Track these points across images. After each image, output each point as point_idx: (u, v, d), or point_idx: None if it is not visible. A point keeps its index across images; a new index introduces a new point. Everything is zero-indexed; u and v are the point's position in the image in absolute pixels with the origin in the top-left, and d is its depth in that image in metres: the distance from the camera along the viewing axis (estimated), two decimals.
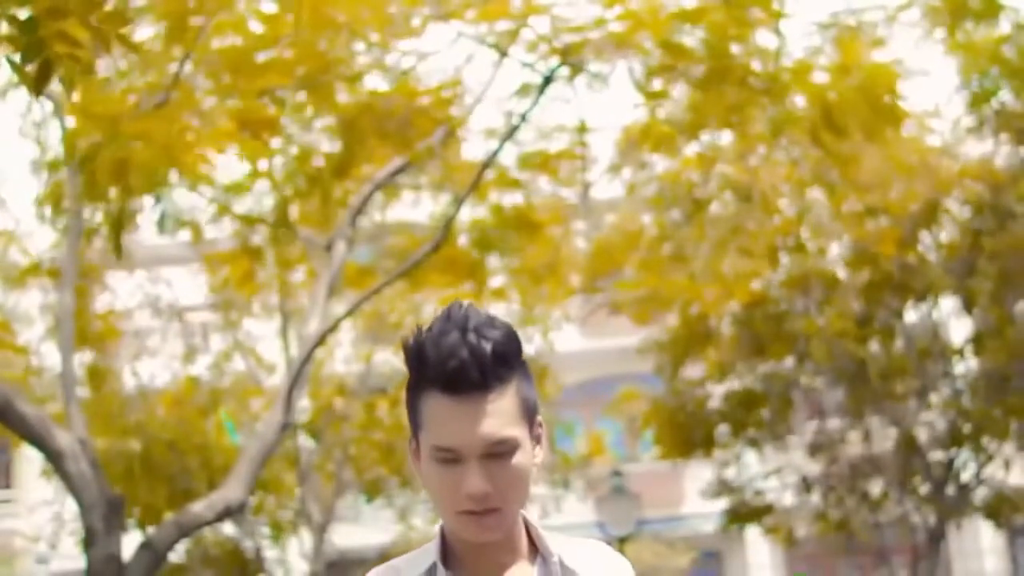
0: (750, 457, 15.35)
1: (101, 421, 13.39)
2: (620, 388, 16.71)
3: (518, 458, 1.98)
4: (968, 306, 13.70)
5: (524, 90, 9.53)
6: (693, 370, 15.05)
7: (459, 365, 1.92)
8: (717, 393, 14.84)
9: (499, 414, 1.96)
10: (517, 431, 1.98)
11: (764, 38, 8.88)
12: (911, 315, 14.40)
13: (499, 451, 1.95)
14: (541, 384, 14.90)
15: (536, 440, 2.05)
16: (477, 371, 1.93)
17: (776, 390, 14.40)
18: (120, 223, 5.24)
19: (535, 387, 2.09)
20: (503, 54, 9.42)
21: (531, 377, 2.06)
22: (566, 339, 17.84)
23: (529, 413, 2.02)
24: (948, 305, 14.34)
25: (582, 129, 11.14)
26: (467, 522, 1.97)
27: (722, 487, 15.18)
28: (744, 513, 15.27)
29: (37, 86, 4.06)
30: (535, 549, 2.08)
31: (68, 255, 9.73)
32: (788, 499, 15.39)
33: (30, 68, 4.04)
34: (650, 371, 15.47)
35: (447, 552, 2.06)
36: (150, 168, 6.04)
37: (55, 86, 5.50)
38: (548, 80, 9.36)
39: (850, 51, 8.87)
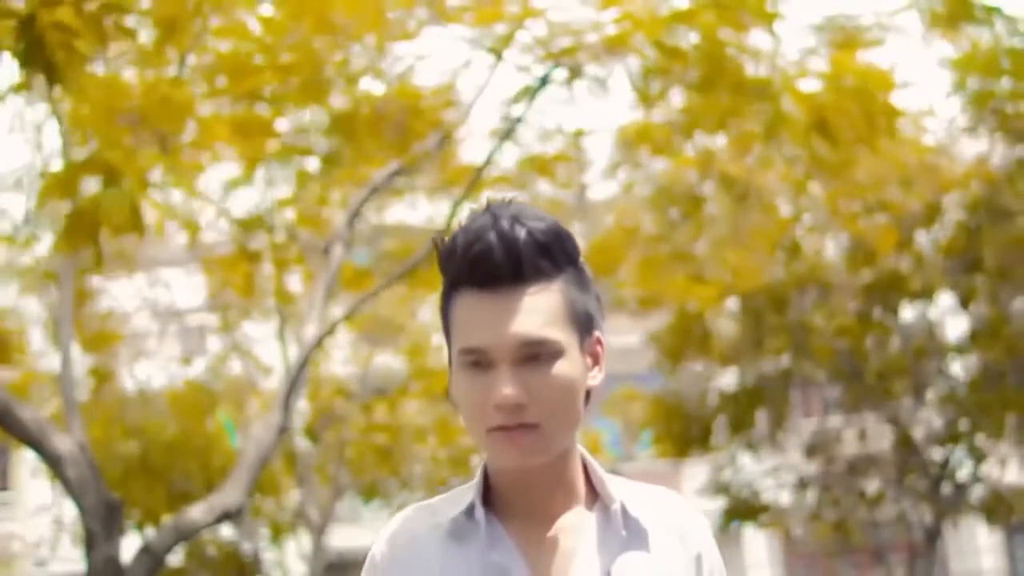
0: (746, 458, 15.38)
1: (100, 424, 13.41)
2: (618, 387, 16.74)
3: (561, 366, 1.68)
4: (964, 303, 13.73)
5: (521, 94, 9.55)
6: (692, 368, 15.08)
7: (484, 249, 1.67)
8: (715, 390, 14.86)
9: (536, 312, 1.67)
10: (561, 335, 1.68)
11: (759, 40, 8.91)
12: (907, 313, 14.43)
13: (536, 353, 1.67)
14: None
15: (592, 358, 1.76)
16: (505, 257, 1.67)
17: (774, 386, 14.41)
18: (99, 259, 5.23)
19: (597, 301, 1.78)
20: (499, 57, 9.44)
21: (590, 287, 1.76)
22: None
23: (579, 321, 1.72)
24: (944, 303, 14.37)
25: (579, 133, 11.17)
26: (500, 441, 1.68)
27: (719, 488, 15.21)
28: (741, 511, 15.30)
29: (50, 78, 4.05)
30: (594, 494, 1.80)
31: (66, 259, 9.73)
32: (785, 498, 15.42)
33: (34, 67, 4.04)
34: (647, 370, 15.48)
35: (490, 491, 1.78)
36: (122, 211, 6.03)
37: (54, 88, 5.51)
38: (544, 83, 9.38)
39: (844, 54, 8.89)
